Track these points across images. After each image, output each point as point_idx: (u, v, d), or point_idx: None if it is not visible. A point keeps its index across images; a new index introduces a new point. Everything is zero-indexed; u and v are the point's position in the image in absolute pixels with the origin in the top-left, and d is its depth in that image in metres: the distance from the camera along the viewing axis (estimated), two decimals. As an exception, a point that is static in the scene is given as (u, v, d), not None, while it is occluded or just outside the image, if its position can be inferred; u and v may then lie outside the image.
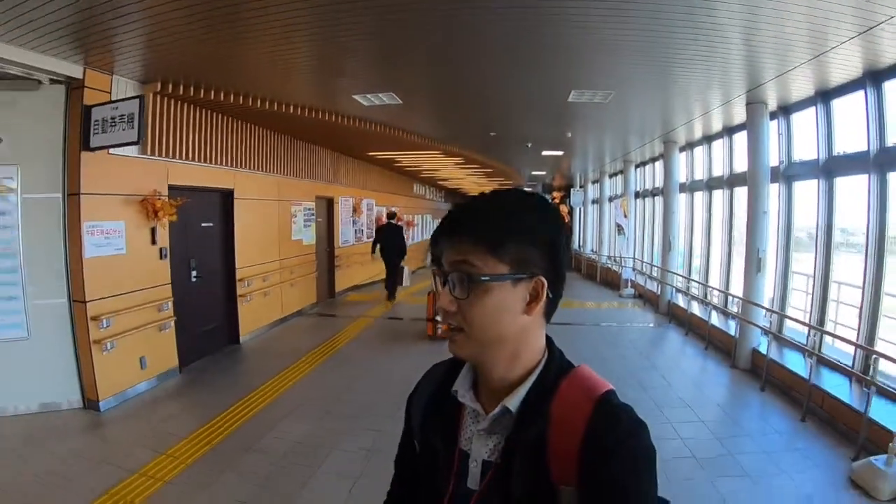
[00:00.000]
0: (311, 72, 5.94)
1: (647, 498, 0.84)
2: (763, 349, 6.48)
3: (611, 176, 16.69)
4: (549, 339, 1.00)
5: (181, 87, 5.85)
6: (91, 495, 3.69)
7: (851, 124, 5.70)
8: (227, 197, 7.55)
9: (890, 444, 3.86)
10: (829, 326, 6.15)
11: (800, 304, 6.97)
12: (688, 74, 5.79)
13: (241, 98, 6.37)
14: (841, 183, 6.04)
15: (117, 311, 5.45)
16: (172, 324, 6.24)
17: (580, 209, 20.43)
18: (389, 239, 11.62)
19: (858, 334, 5.34)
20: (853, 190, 5.81)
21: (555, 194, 25.83)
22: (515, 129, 9.38)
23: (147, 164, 5.91)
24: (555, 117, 8.39)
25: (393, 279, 11.83)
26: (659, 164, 11.80)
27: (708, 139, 9.46)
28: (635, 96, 7.06)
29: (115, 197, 5.51)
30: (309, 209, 10.10)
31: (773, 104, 6.68)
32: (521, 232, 0.91)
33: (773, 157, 6.97)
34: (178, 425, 4.98)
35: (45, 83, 4.99)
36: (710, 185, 9.59)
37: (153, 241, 6.00)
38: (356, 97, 6.65)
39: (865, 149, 5.39)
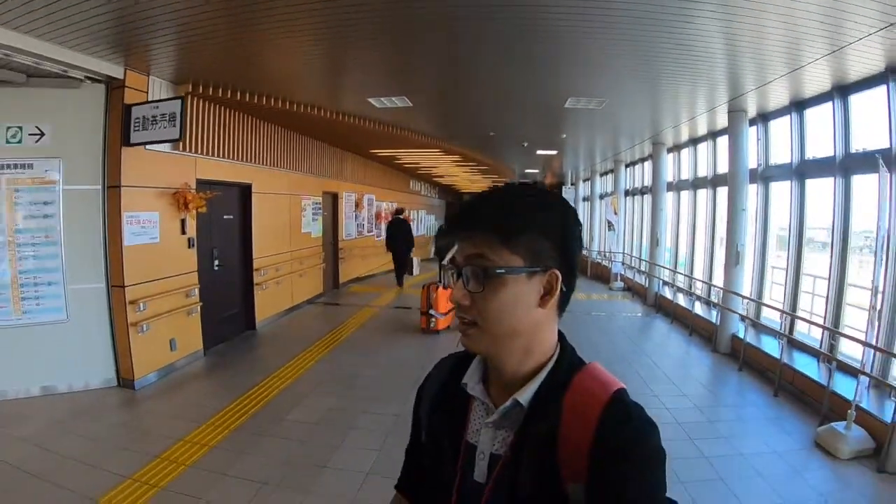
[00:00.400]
0: (329, 77, 6.45)
1: (655, 499, 0.84)
2: (741, 334, 7.12)
3: (602, 174, 17.32)
4: (561, 335, 1.01)
5: (210, 88, 6.32)
6: (146, 458, 4.16)
7: (821, 132, 6.32)
8: (245, 191, 8.02)
9: (848, 412, 4.48)
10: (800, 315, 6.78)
11: (777, 296, 7.59)
12: (675, 85, 6.39)
13: (264, 99, 6.85)
14: (811, 184, 6.67)
15: (151, 296, 5.90)
16: (199, 309, 6.69)
17: (571, 206, 21.05)
18: (398, 233, 12.64)
19: (825, 319, 5.97)
20: (822, 191, 6.43)
21: (546, 191, 26.39)
22: (514, 130, 9.93)
23: (178, 159, 6.37)
24: (552, 120, 8.96)
25: (401, 269, 12.78)
26: (648, 164, 12.45)
27: (694, 142, 10.11)
28: (626, 103, 7.65)
29: (150, 189, 5.95)
30: (317, 203, 10.59)
31: (752, 112, 7.32)
32: (535, 225, 0.91)
33: (751, 160, 7.62)
34: (212, 400, 5.44)
35: (85, 82, 5.41)
36: (696, 184, 10.24)
37: (183, 231, 6.46)
38: (370, 100, 7.15)
39: (832, 154, 6.02)
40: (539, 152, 13.19)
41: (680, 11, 4.02)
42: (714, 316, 8.07)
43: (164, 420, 5.01)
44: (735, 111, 7.23)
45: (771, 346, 6.57)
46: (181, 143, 6.22)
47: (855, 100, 5.78)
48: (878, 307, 4.84)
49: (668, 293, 10.56)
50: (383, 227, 15.09)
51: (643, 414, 0.88)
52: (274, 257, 8.77)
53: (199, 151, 6.69)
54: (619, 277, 13.48)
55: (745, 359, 6.79)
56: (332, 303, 10.84)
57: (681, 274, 10.58)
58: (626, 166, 14.52)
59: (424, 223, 21.50)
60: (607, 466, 0.82)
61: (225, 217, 7.56)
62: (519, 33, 4.68)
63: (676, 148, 11.00)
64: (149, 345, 5.89)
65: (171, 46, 5.03)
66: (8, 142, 5.20)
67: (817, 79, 5.65)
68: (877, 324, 4.82)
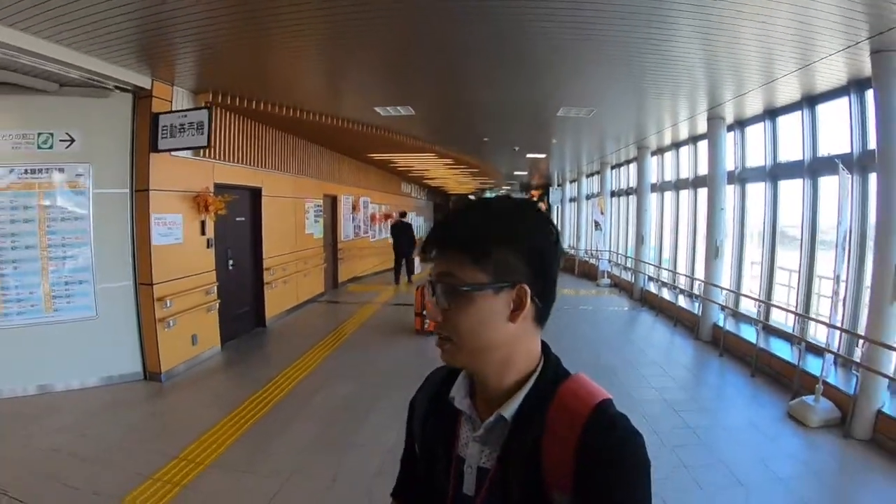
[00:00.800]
0: (337, 88, 6.96)
1: None
2: (721, 323, 7.71)
3: (588, 176, 17.95)
4: (545, 346, 1.01)
5: (227, 98, 6.75)
6: (188, 440, 4.54)
7: (792, 137, 6.94)
8: (256, 194, 8.43)
9: (816, 386, 5.06)
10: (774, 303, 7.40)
11: (753, 287, 8.21)
12: (659, 95, 6.98)
13: (276, 107, 7.29)
14: (783, 185, 7.29)
15: (176, 294, 6.28)
16: (217, 306, 7.10)
17: (558, 207, 21.67)
18: (401, 234, 13.58)
19: (796, 306, 6.58)
20: (793, 192, 7.05)
21: (533, 192, 27.01)
22: (507, 135, 10.47)
23: (198, 164, 6.78)
24: (543, 127, 9.55)
25: (398, 268, 13.66)
26: (633, 167, 13.06)
27: (676, 146, 10.75)
28: (614, 111, 8.25)
29: (174, 193, 6.34)
30: (318, 206, 11.03)
31: (730, 119, 7.94)
32: (503, 241, 0.91)
33: (729, 163, 8.23)
34: (237, 390, 5.87)
35: (114, 92, 5.73)
36: (678, 185, 10.88)
37: (202, 232, 6.86)
38: (377, 109, 7.62)
39: (801, 158, 6.64)
40: (529, 155, 13.77)
41: (664, 32, 4.55)
42: (696, 307, 8.67)
43: (197, 408, 5.43)
44: (714, 118, 7.84)
45: (748, 333, 7.17)
46: (201, 150, 6.61)
47: (821, 109, 6.41)
48: (843, 294, 5.44)
49: (653, 288, 11.17)
50: (378, 228, 15.59)
51: (628, 423, 0.88)
52: (281, 257, 9.20)
53: (216, 157, 7.09)
54: (605, 274, 14.08)
55: (725, 345, 7.39)
56: (333, 301, 11.29)
57: (665, 269, 11.21)
58: (612, 168, 15.15)
59: (414, 224, 21.93)
60: (592, 475, 0.82)
61: (237, 219, 7.96)
62: (517, 50, 5.19)
63: (660, 151, 11.65)
64: (174, 340, 6.27)
65: (193, 60, 5.46)
66: (40, 147, 5.54)
67: (788, 90, 6.26)
68: (841, 308, 5.41)
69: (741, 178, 8.33)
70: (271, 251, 8.84)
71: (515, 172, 19.61)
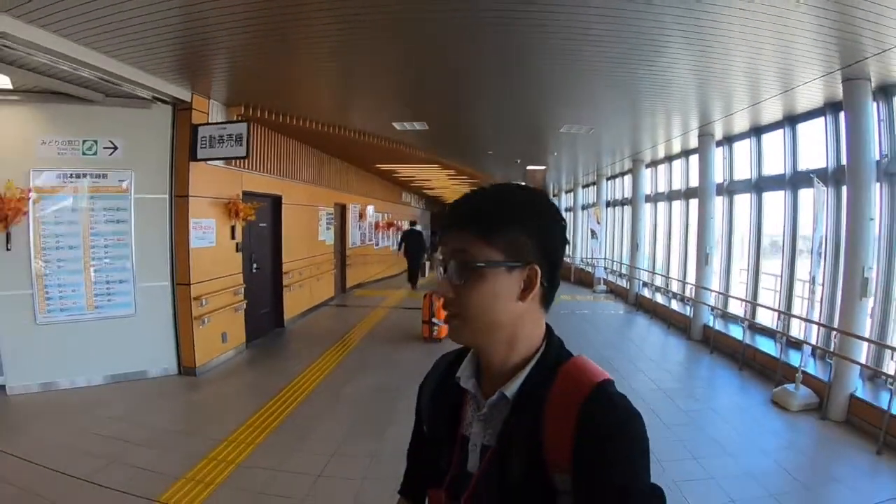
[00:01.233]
0: (359, 103, 7.55)
1: (640, 483, 0.84)
2: (711, 324, 8.32)
3: (584, 186, 18.63)
4: (548, 329, 1.03)
5: (257, 111, 7.27)
6: (235, 425, 4.97)
7: (775, 153, 7.60)
8: (277, 202, 8.96)
9: (796, 375, 5.66)
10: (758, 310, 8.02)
11: (740, 291, 8.83)
12: (653, 115, 7.64)
13: (300, 120, 7.85)
14: (767, 197, 7.94)
15: (210, 293, 6.75)
16: (244, 306, 7.58)
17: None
18: (412, 241, 14.49)
19: (778, 304, 7.20)
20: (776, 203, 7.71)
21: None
22: (511, 149, 11.12)
23: (230, 173, 7.30)
24: (546, 142, 10.25)
25: (414, 272, 14.48)
26: (628, 178, 13.75)
27: (669, 159, 11.43)
28: (611, 128, 8.92)
29: (208, 199, 6.82)
30: (330, 214, 11.59)
31: (719, 135, 8.61)
32: (515, 221, 0.94)
33: (718, 176, 8.89)
34: (270, 383, 6.31)
35: (155, 103, 6.19)
36: (671, 196, 11.56)
37: (232, 237, 7.36)
38: (394, 124, 8.22)
39: (783, 171, 7.29)
40: (529, 167, 14.42)
41: (662, 61, 5.17)
42: (688, 310, 9.28)
43: (236, 398, 5.94)
44: (704, 135, 8.49)
45: (736, 332, 7.78)
46: (233, 160, 7.11)
47: (801, 128, 7.07)
48: (819, 293, 6.06)
49: (647, 293, 11.81)
50: (381, 236, 16.16)
51: (627, 403, 0.89)
52: (299, 262, 9.72)
53: (245, 167, 7.62)
54: (601, 281, 14.69)
55: (714, 343, 8.01)
56: (342, 305, 11.81)
57: (659, 275, 11.85)
58: (608, 179, 15.82)
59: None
60: (591, 453, 0.83)
61: (261, 225, 8.47)
62: (526, 75, 5.79)
63: (654, 164, 12.33)
64: (207, 337, 6.73)
65: (228, 76, 6.00)
66: (84, 153, 5.93)
67: (772, 111, 6.91)
68: (818, 306, 6.03)
69: (729, 189, 8.99)
70: (290, 256, 9.35)
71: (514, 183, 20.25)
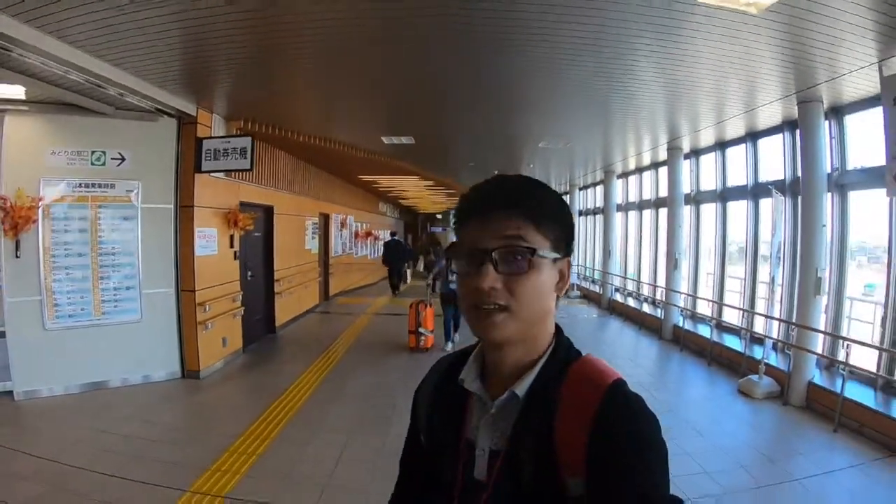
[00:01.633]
0: (351, 119, 7.98)
1: (658, 491, 0.81)
2: (681, 324, 8.96)
3: (556, 197, 19.31)
4: (557, 327, 1.01)
5: (254, 125, 7.61)
6: (247, 421, 5.27)
7: (738, 166, 8.30)
8: (269, 212, 9.26)
9: (759, 367, 6.29)
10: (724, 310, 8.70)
11: (708, 294, 9.51)
12: (625, 130, 8.29)
13: (293, 134, 8.20)
14: (731, 206, 8.64)
15: (212, 300, 7.02)
16: (241, 312, 7.85)
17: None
18: (393, 250, 15.37)
19: (742, 303, 7.87)
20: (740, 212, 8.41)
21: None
22: (490, 161, 11.62)
23: (229, 184, 7.60)
24: (524, 155, 10.85)
25: (394, 280, 15.24)
26: (600, 188, 14.48)
27: (640, 170, 12.16)
28: (586, 142, 9.54)
29: (210, 209, 7.09)
30: (315, 223, 11.90)
31: (686, 149, 9.31)
32: (558, 213, 0.94)
33: (686, 186, 9.59)
34: (275, 383, 6.60)
35: (162, 117, 6.46)
36: (641, 205, 12.28)
37: (231, 246, 7.64)
38: (383, 138, 8.65)
39: (746, 183, 7.99)
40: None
41: (634, 84, 5.73)
42: (659, 312, 9.92)
43: (244, 397, 6.26)
44: (673, 148, 9.18)
45: (704, 331, 8.42)
46: (233, 172, 7.40)
47: (762, 143, 7.78)
48: (779, 293, 6.72)
49: (619, 297, 12.48)
50: (360, 245, 16.53)
51: (644, 405, 0.89)
52: (289, 270, 10.02)
53: (242, 178, 7.92)
54: (575, 287, 15.32)
55: (684, 342, 8.65)
56: (326, 312, 12.11)
57: (630, 280, 12.52)
58: (580, 189, 16.57)
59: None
60: (608, 458, 0.81)
61: (254, 234, 8.75)
62: (508, 93, 6.23)
63: (625, 175, 13.05)
64: (210, 341, 6.99)
65: (228, 91, 6.31)
66: (93, 164, 6.14)
67: (736, 127, 7.59)
68: (778, 305, 6.69)
69: (696, 199, 9.70)
70: (281, 264, 9.65)
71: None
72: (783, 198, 6.79)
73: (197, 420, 5.64)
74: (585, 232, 16.64)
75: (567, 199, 16.55)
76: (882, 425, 4.90)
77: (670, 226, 9.47)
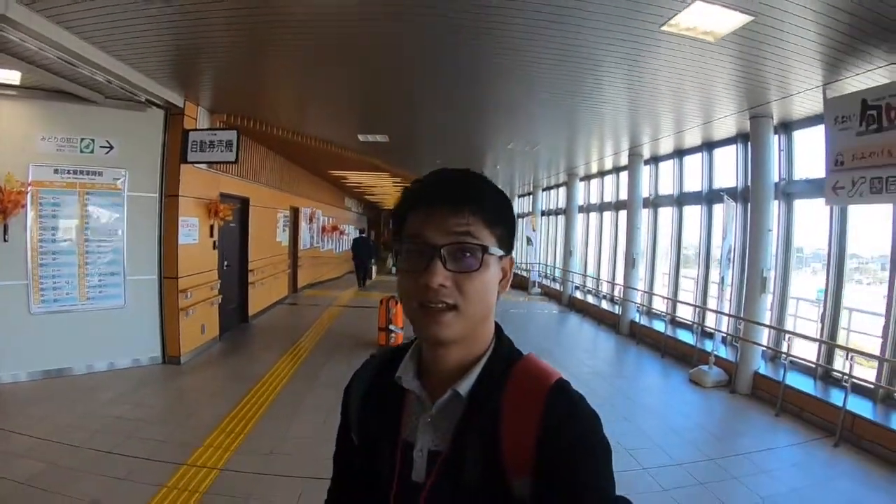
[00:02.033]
0: (329, 117, 8.26)
1: (605, 494, 0.82)
2: (638, 320, 9.60)
3: (520, 196, 19.92)
4: (497, 326, 0.99)
5: (234, 118, 7.79)
6: (232, 403, 5.48)
7: (694, 173, 8.98)
8: (244, 203, 9.41)
9: (709, 358, 6.90)
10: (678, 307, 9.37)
11: (663, 291, 10.19)
12: (588, 136, 8.85)
13: (271, 128, 8.39)
14: (687, 210, 9.32)
15: (193, 287, 7.17)
16: (219, 301, 8.01)
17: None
18: (361, 246, 15.96)
19: (695, 300, 8.54)
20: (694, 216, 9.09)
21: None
22: (460, 161, 11.90)
23: (210, 175, 7.74)
24: (493, 156, 11.34)
25: (360, 274, 15.84)
26: (563, 190, 15.07)
27: (601, 174, 12.79)
28: (552, 146, 10.09)
29: (193, 199, 7.23)
30: (286, 216, 12.05)
31: (646, 155, 9.95)
32: (505, 210, 0.92)
33: (645, 190, 10.23)
34: (253, 369, 6.81)
35: (149, 107, 6.55)
36: (602, 207, 12.92)
37: (211, 235, 7.77)
38: (359, 136, 8.94)
39: (700, 189, 8.65)
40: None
41: (600, 96, 6.25)
42: (617, 309, 10.55)
43: (227, 382, 6.45)
44: (634, 154, 9.79)
45: (659, 326, 9.07)
46: (214, 163, 7.56)
47: (717, 153, 8.45)
48: (728, 293, 7.37)
49: (579, 294, 13.12)
50: (326, 239, 16.70)
51: (588, 406, 0.88)
52: (262, 261, 10.19)
53: (222, 170, 8.07)
54: (536, 284, 15.92)
55: (640, 336, 9.29)
56: (295, 303, 12.29)
57: (590, 278, 13.18)
58: (544, 190, 17.21)
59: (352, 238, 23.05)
60: (558, 461, 0.81)
61: (231, 225, 8.88)
62: (480, 97, 6.70)
63: (587, 178, 13.69)
64: (190, 328, 7.15)
65: (212, 84, 6.51)
66: (82, 151, 6.21)
67: (693, 137, 8.22)
68: (727, 302, 7.34)
69: (654, 203, 10.37)
70: (255, 255, 9.82)
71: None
72: (735, 204, 7.43)
73: (182, 402, 5.84)
74: (548, 231, 17.30)
75: (531, 199, 17.23)
76: (820, 410, 5.49)
77: (629, 227, 10.11)
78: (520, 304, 13.95)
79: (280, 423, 5.07)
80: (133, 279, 6.65)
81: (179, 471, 4.06)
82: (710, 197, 8.51)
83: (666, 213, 10.10)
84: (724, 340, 7.42)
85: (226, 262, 8.67)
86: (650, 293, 10.11)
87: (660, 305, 9.80)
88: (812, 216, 6.87)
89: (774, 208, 6.73)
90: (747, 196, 7.07)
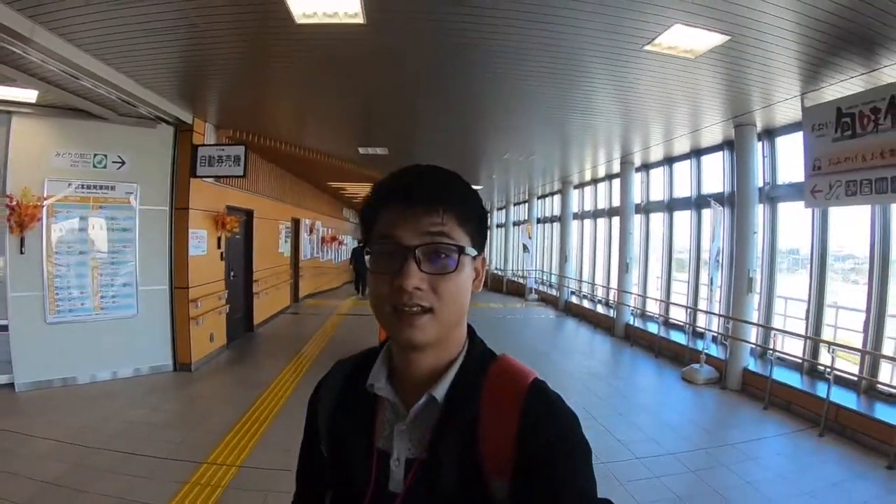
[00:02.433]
0: (331, 131, 8.60)
1: (585, 494, 0.80)
2: (632, 322, 9.90)
3: (516, 204, 20.32)
4: (470, 327, 0.97)
5: (242, 134, 8.08)
6: (244, 407, 5.72)
7: (684, 179, 9.32)
8: (249, 215, 9.68)
9: (701, 356, 7.20)
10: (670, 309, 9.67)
11: (656, 294, 10.50)
12: (581, 146, 9.21)
13: (276, 142, 8.70)
14: (677, 215, 9.64)
15: (203, 297, 7.42)
16: (226, 310, 8.26)
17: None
18: (359, 256, 15.57)
19: (687, 301, 8.84)
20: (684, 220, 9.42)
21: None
22: (456, 171, 12.21)
23: (218, 189, 8.01)
24: (489, 165, 11.63)
25: (358, 283, 16.37)
26: (557, 198, 15.43)
27: (595, 181, 13.13)
28: (546, 155, 10.38)
29: (202, 212, 7.49)
30: (288, 228, 12.33)
31: (638, 163, 10.28)
32: (478, 208, 0.90)
33: (637, 197, 10.56)
34: (261, 377, 6.97)
35: (160, 124, 6.83)
36: (596, 214, 13.26)
37: (218, 247, 8.04)
38: (360, 149, 9.26)
39: (690, 195, 8.98)
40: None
41: (592, 109, 6.58)
42: (611, 312, 10.85)
43: (237, 387, 6.67)
44: (626, 162, 10.13)
45: (653, 328, 9.36)
46: (222, 177, 7.82)
47: (705, 159, 8.79)
48: (718, 294, 7.68)
49: (575, 299, 13.43)
50: (326, 249, 17.00)
51: (565, 405, 0.87)
52: (265, 271, 10.44)
53: (228, 183, 8.33)
54: (533, 290, 16.20)
55: (634, 338, 9.59)
56: (297, 313, 12.53)
57: (585, 283, 13.50)
58: (539, 198, 17.56)
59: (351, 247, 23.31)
60: (537, 459, 0.80)
61: (236, 237, 9.15)
62: (477, 110, 6.99)
63: (581, 185, 14.04)
64: (200, 336, 7.38)
65: (218, 102, 6.81)
66: (95, 166, 6.46)
67: (682, 145, 8.57)
68: (717, 303, 7.64)
69: (646, 209, 10.71)
70: (259, 265, 10.07)
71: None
72: (722, 208, 7.75)
73: (196, 407, 6.05)
74: (543, 238, 17.61)
75: (527, 207, 17.54)
76: (806, 402, 5.78)
77: (622, 233, 10.44)
78: (517, 309, 14.23)
79: (293, 423, 5.06)
80: (145, 289, 6.87)
81: (200, 469, 4.29)
82: (699, 202, 8.83)
83: (657, 219, 10.43)
84: (714, 339, 7.72)
85: (232, 273, 8.91)
86: (643, 296, 10.42)
87: (653, 308, 10.10)
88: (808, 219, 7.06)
89: (759, 212, 7.05)
90: (734, 200, 7.38)
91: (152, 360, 6.98)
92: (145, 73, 5.40)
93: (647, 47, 4.39)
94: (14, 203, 5.87)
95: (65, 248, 6.36)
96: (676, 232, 9.75)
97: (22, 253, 6.03)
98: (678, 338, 8.56)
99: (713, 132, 7.52)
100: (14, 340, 6.06)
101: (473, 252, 0.89)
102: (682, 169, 9.40)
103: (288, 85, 6.09)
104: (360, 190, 15.99)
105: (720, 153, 8.21)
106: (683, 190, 9.39)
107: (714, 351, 7.50)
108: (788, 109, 6.14)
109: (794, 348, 6.70)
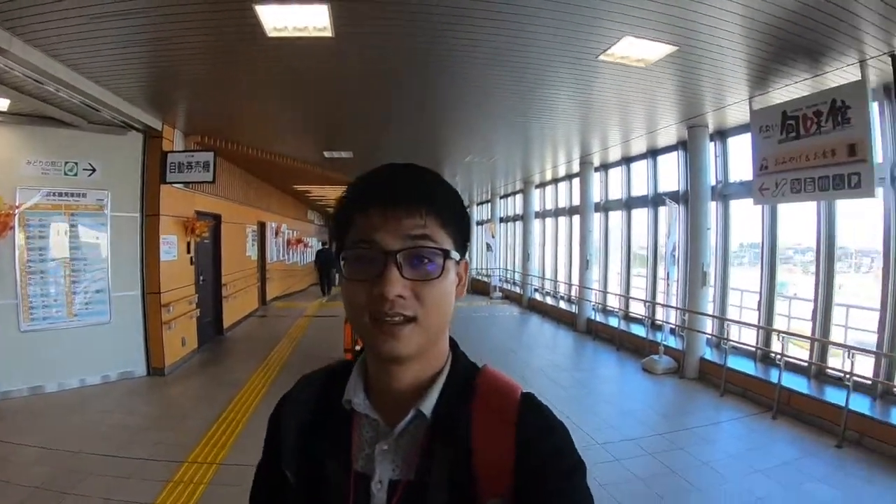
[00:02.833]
0: (295, 135, 8.70)
1: None
2: (593, 317, 10.34)
3: (479, 204, 20.65)
4: (451, 339, 0.91)
5: (210, 139, 8.16)
6: (220, 407, 5.83)
7: (641, 178, 9.78)
8: (217, 220, 9.70)
9: (659, 348, 7.62)
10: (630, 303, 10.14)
11: (616, 290, 10.96)
12: (542, 148, 9.57)
13: (242, 147, 8.79)
14: (635, 213, 10.12)
15: (174, 301, 7.45)
16: (197, 314, 8.28)
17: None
18: (324, 257, 16.61)
19: (645, 296, 9.31)
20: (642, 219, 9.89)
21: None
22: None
23: (186, 194, 8.03)
24: (452, 168, 11.89)
25: (323, 285, 16.53)
26: (519, 197, 15.84)
27: (556, 181, 13.54)
28: (507, 158, 10.75)
29: (171, 217, 7.50)
30: (254, 231, 12.35)
31: (597, 163, 10.71)
32: (461, 210, 0.85)
33: (596, 196, 10.98)
34: (234, 379, 7.04)
35: (129, 130, 6.83)
36: (557, 213, 13.69)
37: (188, 251, 8.06)
38: (325, 153, 9.40)
39: (646, 193, 9.45)
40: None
41: (552, 110, 6.85)
42: (574, 308, 11.28)
43: (212, 388, 6.73)
44: (585, 162, 10.55)
45: (613, 322, 9.80)
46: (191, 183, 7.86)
47: (661, 159, 9.24)
48: (674, 288, 8.14)
49: (538, 296, 13.85)
50: (291, 252, 17.00)
51: (556, 417, 0.85)
52: (234, 275, 10.47)
53: (196, 188, 8.37)
54: (497, 289, 16.56)
55: (596, 332, 10.04)
56: (265, 315, 12.54)
57: (548, 280, 13.93)
58: (501, 198, 17.92)
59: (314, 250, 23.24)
60: (538, 480, 0.77)
61: (205, 241, 9.16)
62: (440, 116, 7.27)
63: (542, 185, 14.44)
64: (172, 341, 7.42)
65: (185, 108, 6.88)
66: (66, 174, 6.44)
67: (639, 145, 8.99)
68: (674, 296, 8.10)
69: (605, 207, 11.15)
70: (227, 269, 10.09)
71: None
72: (677, 206, 8.21)
73: (173, 409, 6.12)
74: (506, 237, 18.01)
75: (489, 206, 17.87)
76: (760, 388, 6.19)
77: (582, 231, 10.84)
78: (482, 307, 14.54)
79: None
80: (117, 295, 6.89)
81: (182, 468, 4.41)
82: (655, 200, 9.29)
83: (616, 217, 10.87)
84: (672, 331, 8.16)
85: (202, 277, 8.93)
86: (604, 292, 10.88)
87: (613, 303, 10.55)
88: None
89: (712, 209, 7.51)
90: (688, 198, 7.80)
91: (126, 365, 7.00)
92: (118, 82, 5.47)
93: (602, 57, 4.72)
94: (-14, 212, 5.83)
95: (37, 256, 6.34)
96: (634, 229, 10.20)
97: (-5, 261, 5.98)
98: (638, 331, 8.99)
99: (668, 133, 7.93)
100: (-13, 351, 6.00)
101: (457, 256, 0.83)
102: (640, 168, 9.85)
103: (257, 93, 6.19)
104: (326, 192, 16.05)
105: (675, 153, 8.62)
106: (641, 189, 9.84)
107: (672, 342, 7.92)
108: (738, 112, 6.52)
109: (748, 337, 7.16)
